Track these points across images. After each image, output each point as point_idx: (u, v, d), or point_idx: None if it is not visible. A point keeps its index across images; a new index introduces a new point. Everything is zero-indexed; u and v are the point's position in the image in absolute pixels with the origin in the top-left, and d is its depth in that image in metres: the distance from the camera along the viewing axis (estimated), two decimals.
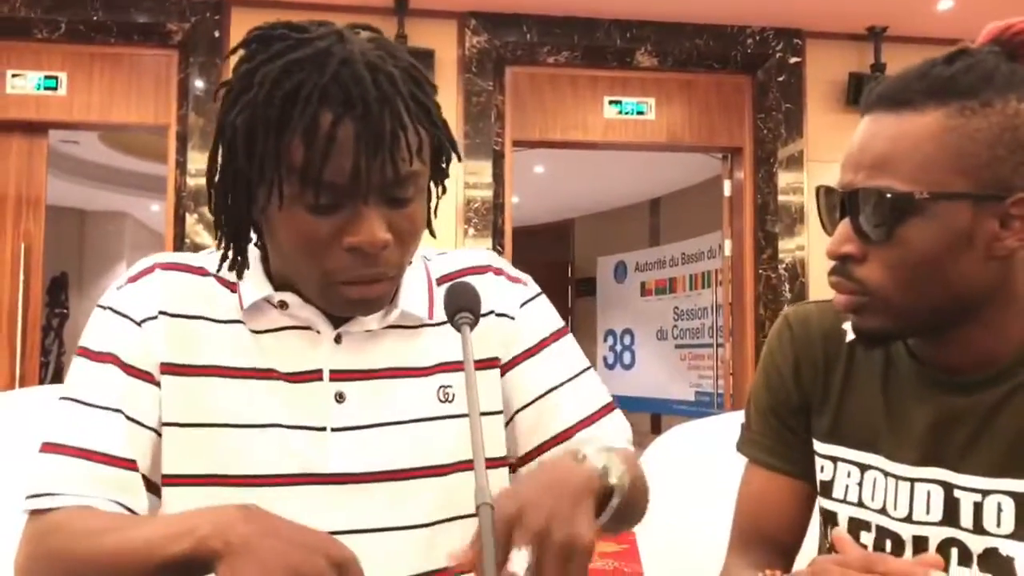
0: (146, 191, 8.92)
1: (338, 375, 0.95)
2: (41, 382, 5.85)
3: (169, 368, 0.94)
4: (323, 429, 0.94)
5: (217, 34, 4.98)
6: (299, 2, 4.74)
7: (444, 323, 0.96)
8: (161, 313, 0.96)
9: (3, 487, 1.45)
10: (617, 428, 1.05)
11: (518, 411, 1.02)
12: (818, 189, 0.92)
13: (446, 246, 4.82)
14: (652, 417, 9.17)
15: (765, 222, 5.47)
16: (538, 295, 1.09)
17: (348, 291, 0.89)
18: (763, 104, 5.53)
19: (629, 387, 9.77)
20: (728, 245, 5.75)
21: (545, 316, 1.08)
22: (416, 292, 1.00)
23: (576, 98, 5.53)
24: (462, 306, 0.87)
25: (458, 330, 0.85)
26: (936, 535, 0.90)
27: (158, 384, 0.94)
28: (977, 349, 0.89)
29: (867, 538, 0.95)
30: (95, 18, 4.94)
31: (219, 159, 0.90)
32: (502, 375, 1.02)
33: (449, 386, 0.98)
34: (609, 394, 1.07)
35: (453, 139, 0.94)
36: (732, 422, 1.13)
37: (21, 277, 5.08)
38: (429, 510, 0.95)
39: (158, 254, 1.02)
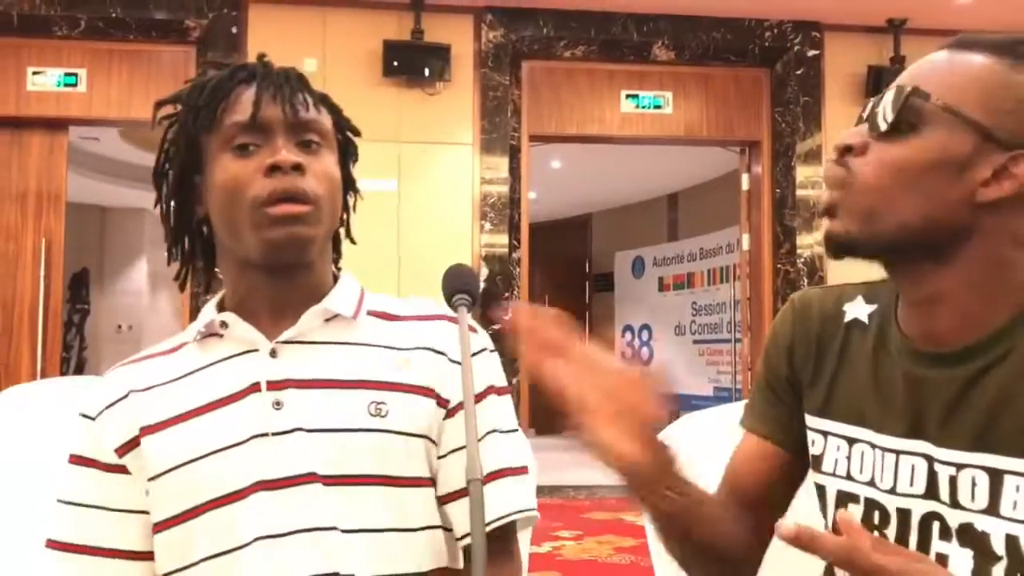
0: None
1: (274, 385, 1.02)
2: (62, 377, 5.90)
3: (148, 429, 1.03)
4: (265, 435, 1.00)
5: (235, 30, 5.00)
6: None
7: (377, 347, 1.06)
8: (132, 391, 1.06)
9: (23, 474, 1.47)
10: (515, 491, 1.07)
11: (440, 457, 1.06)
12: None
13: (462, 242, 4.78)
14: (670, 413, 9.16)
15: (783, 216, 5.46)
16: (492, 350, 1.13)
17: (275, 211, 0.99)
18: (781, 98, 5.51)
19: None
20: (746, 239, 5.73)
21: (492, 369, 1.12)
22: (346, 298, 1.09)
23: (593, 92, 5.53)
24: (459, 288, 0.94)
25: (455, 311, 0.92)
26: (919, 508, 0.90)
27: (122, 468, 1.03)
28: (956, 313, 0.89)
29: (856, 510, 0.96)
30: (114, 15, 4.98)
31: (168, 167, 1.11)
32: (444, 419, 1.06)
33: (382, 403, 1.03)
34: (521, 459, 1.09)
35: (350, 123, 1.14)
36: (741, 410, 1.13)
37: (42, 273, 5.14)
38: (340, 517, 0.99)
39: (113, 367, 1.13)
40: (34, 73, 5.11)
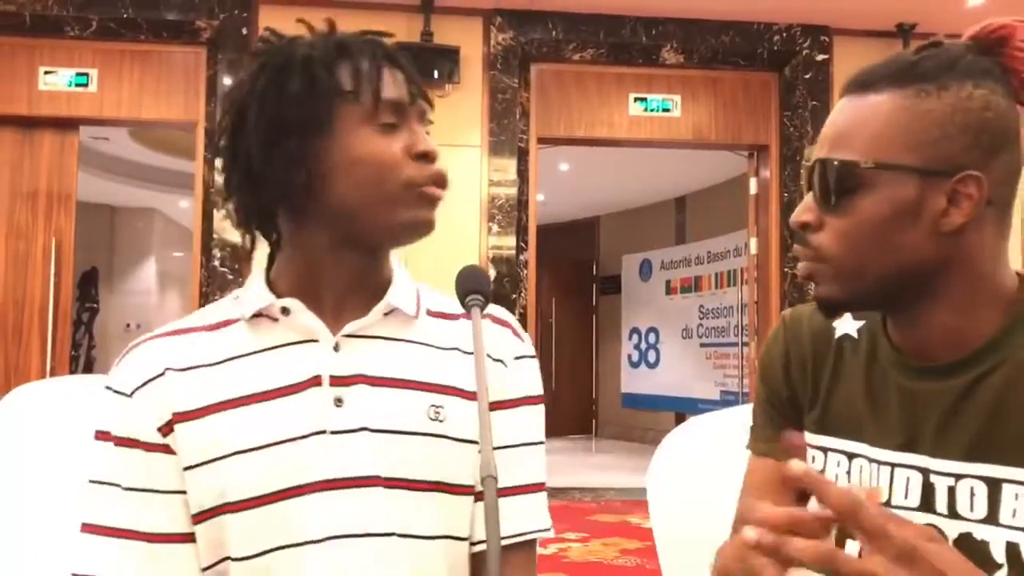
0: (175, 187, 9.02)
1: (337, 380, 0.98)
2: (71, 375, 5.93)
3: (182, 416, 0.98)
4: (323, 432, 0.96)
5: (245, 31, 5.02)
6: (325, 0, 4.77)
7: (435, 347, 1.04)
8: (168, 370, 1.00)
9: (34, 471, 1.48)
10: (529, 510, 1.06)
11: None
12: (804, 169, 0.98)
13: (470, 244, 4.78)
14: (676, 416, 9.15)
15: None
16: (533, 356, 1.12)
17: (427, 192, 1.00)
18: (790, 101, 5.51)
19: (653, 386, 9.76)
20: (754, 243, 5.73)
21: (533, 377, 1.10)
22: (407, 294, 1.06)
23: (601, 95, 5.53)
24: (472, 288, 0.94)
25: (469, 312, 0.91)
26: (915, 520, 0.90)
27: (163, 447, 0.97)
28: (946, 331, 0.90)
29: None
30: (125, 15, 5.00)
31: (260, 129, 0.99)
32: None
33: (440, 407, 1.01)
34: (545, 474, 1.09)
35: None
36: (748, 414, 1.14)
37: (52, 272, 5.16)
38: (398, 522, 0.97)
39: (144, 335, 1.06)
40: (46, 73, 5.14)
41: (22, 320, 5.15)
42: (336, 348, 1.00)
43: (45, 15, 4.96)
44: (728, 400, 8.43)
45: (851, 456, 0.98)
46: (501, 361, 1.06)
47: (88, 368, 9.38)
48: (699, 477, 1.36)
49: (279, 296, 1.01)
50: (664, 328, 9.79)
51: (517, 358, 1.08)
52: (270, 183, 0.98)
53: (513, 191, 5.19)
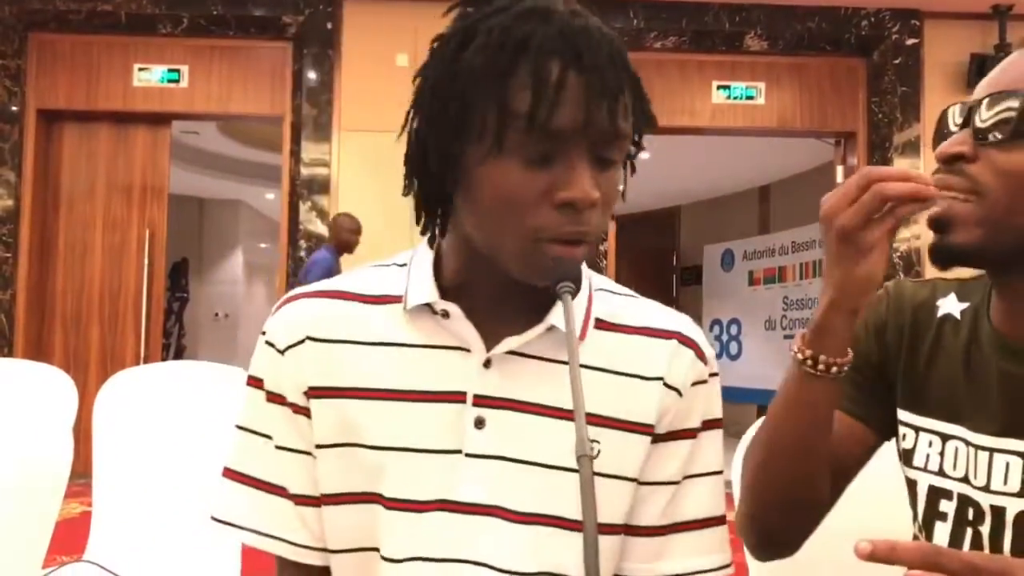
0: (261, 179, 9.24)
1: (481, 400, 0.91)
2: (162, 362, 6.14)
3: (317, 392, 0.93)
4: (458, 452, 0.90)
5: (330, 26, 5.11)
6: None
7: (598, 370, 0.94)
8: (308, 338, 0.94)
9: (132, 452, 1.55)
10: (711, 544, 0.97)
11: (642, 483, 0.96)
12: (945, 111, 0.93)
13: None
14: (759, 408, 9.02)
15: None
16: (715, 374, 1.02)
17: (552, 249, 0.83)
18: (878, 88, 5.37)
19: (735, 378, 9.63)
20: None
21: (711, 401, 1.01)
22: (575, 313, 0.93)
23: (684, 83, 5.48)
24: (563, 277, 0.83)
25: (560, 299, 0.81)
26: (1014, 506, 0.89)
27: (306, 411, 0.93)
28: None
29: (948, 507, 0.95)
30: (215, 12, 5.14)
31: (424, 115, 0.87)
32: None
33: (595, 441, 0.91)
34: (720, 507, 0.99)
35: (652, 114, 0.93)
36: None
37: (146, 262, 5.35)
38: (537, 559, 0.90)
39: (300, 287, 1.00)
40: (140, 69, 5.32)
41: (118, 309, 5.36)
42: (487, 364, 0.91)
43: (139, 13, 5.13)
44: None
45: (945, 438, 0.97)
46: (676, 390, 0.96)
47: (178, 355, 9.68)
48: None
49: (443, 287, 0.93)
50: (746, 319, 9.64)
51: (695, 384, 0.97)
52: (431, 168, 0.87)
53: None
